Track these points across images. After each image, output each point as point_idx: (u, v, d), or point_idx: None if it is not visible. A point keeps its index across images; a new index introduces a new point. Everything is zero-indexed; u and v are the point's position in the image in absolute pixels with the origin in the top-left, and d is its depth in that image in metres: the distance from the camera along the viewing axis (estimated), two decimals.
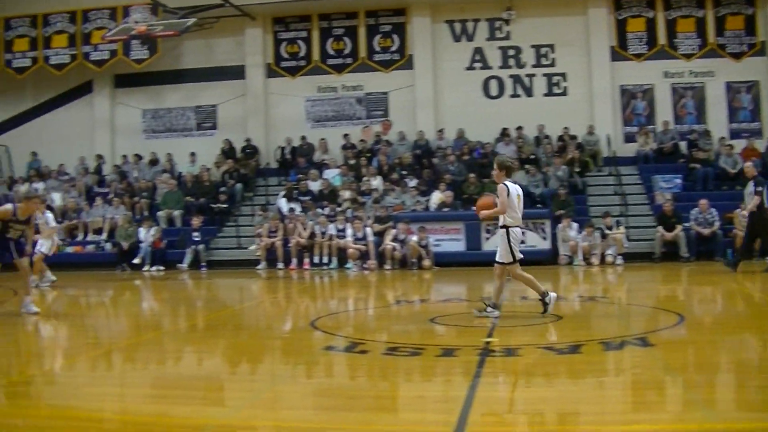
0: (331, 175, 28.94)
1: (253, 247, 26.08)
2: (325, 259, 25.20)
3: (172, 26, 27.57)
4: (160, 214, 28.17)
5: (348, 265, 24.67)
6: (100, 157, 32.61)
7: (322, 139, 30.71)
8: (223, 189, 28.99)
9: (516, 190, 12.34)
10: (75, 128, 33.27)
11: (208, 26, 29.48)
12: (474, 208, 13.13)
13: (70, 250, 27.78)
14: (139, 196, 29.31)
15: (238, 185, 29.37)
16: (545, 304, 12.36)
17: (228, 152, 30.95)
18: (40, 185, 30.93)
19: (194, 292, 20.68)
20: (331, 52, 31.45)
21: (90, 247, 27.80)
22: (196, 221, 26.44)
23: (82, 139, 32.93)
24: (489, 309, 12.25)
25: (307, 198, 27.56)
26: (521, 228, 12.40)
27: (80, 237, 28.47)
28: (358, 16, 31.24)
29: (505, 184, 12.18)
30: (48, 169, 32.56)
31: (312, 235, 25.40)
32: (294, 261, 25.31)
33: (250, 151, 30.96)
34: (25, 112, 34.50)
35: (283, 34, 31.83)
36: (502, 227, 12.24)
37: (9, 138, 34.57)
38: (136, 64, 31.93)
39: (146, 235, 26.38)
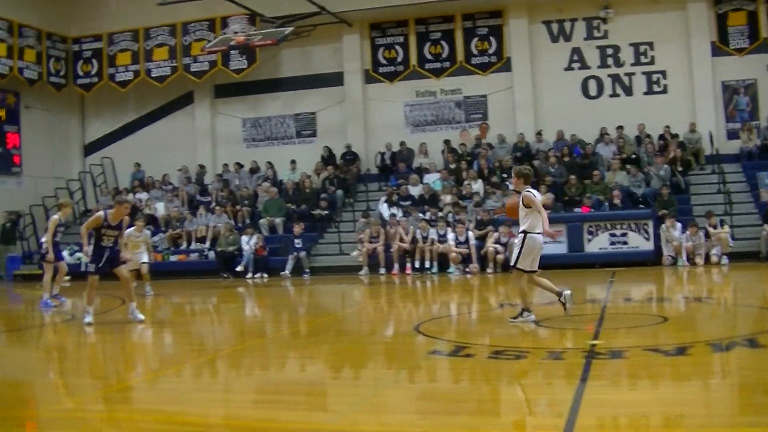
0: (432, 179, 28.86)
1: (354, 253, 26.13)
2: (427, 264, 25.13)
3: (270, 35, 27.77)
4: (262, 221, 28.40)
5: (450, 269, 24.55)
6: (201, 166, 33.01)
7: (422, 143, 30.62)
8: (323, 196, 29.11)
9: (537, 196, 12.40)
10: (177, 139, 33.79)
11: (306, 34, 29.65)
12: (503, 211, 13.20)
13: (173, 258, 28.19)
14: (240, 204, 29.60)
15: (339, 191, 29.47)
16: (563, 304, 12.43)
17: (328, 159, 31.08)
18: (143, 195, 31.48)
19: (297, 298, 20.78)
20: (429, 57, 31.38)
21: (193, 256, 28.15)
22: (297, 228, 26.59)
23: (183, 150, 33.42)
24: (525, 314, 12.29)
25: (408, 203, 27.53)
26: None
27: (184, 246, 28.85)
28: (455, 19, 31.12)
29: (528, 191, 12.23)
30: (151, 179, 33.08)
31: (413, 240, 25.35)
32: (396, 266, 25.28)
33: (350, 157, 31.05)
34: (128, 125, 35.18)
35: (380, 40, 31.87)
36: (521, 232, 12.29)
37: (113, 150, 35.26)
38: (235, 74, 32.28)
39: (248, 242, 26.61)
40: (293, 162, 31.31)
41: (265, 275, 26.17)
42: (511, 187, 26.42)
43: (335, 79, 32.14)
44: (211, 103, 33.97)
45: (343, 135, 31.70)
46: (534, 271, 12.41)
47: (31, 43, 32.63)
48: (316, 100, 32.58)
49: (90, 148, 35.98)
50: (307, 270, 26.14)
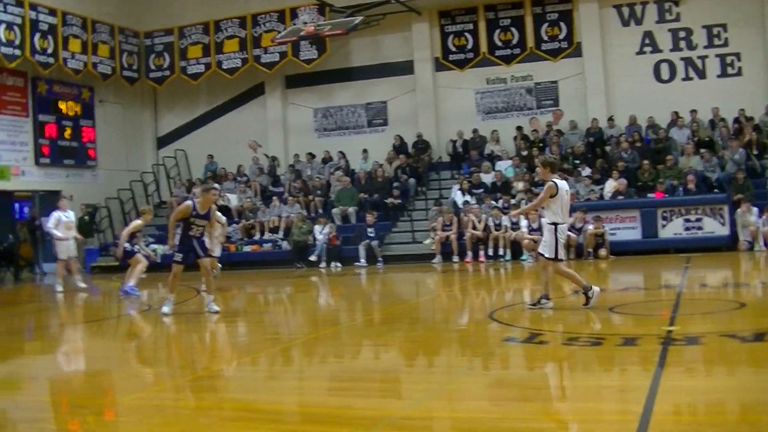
0: (504, 166, 28.73)
1: (427, 241, 26.13)
2: (500, 251, 25.06)
3: (339, 25, 27.83)
4: (335, 211, 28.51)
5: (523, 257, 24.43)
6: (274, 158, 33.20)
7: (494, 130, 30.47)
8: (396, 184, 29.12)
9: (564, 186, 12.38)
10: (248, 130, 34.00)
11: (375, 23, 29.66)
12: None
13: (247, 249, 28.43)
14: (313, 194, 29.74)
15: (411, 180, 29.46)
16: (588, 298, 12.22)
17: (399, 148, 31.08)
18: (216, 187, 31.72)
19: (370, 287, 20.85)
20: (499, 43, 31.19)
21: (267, 246, 28.35)
22: (370, 217, 26.65)
23: (256, 140, 33.59)
24: (543, 300, 12.38)
25: (481, 190, 27.45)
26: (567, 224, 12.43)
27: (257, 236, 29.06)
28: (524, 5, 30.85)
29: (553, 180, 12.21)
30: (224, 171, 33.37)
31: (486, 228, 25.29)
32: (469, 254, 25.24)
33: (422, 145, 31.00)
34: (201, 117, 35.52)
35: (450, 27, 31.75)
36: (551, 224, 12.21)
37: (186, 142, 35.64)
38: (305, 64, 32.41)
39: (321, 232, 26.73)
40: (365, 151, 31.37)
41: (339, 264, 26.28)
42: (583, 173, 26.33)
43: (405, 68, 32.11)
44: (282, 93, 34.15)
45: (415, 123, 31.67)
46: (559, 260, 12.40)
47: (105, 39, 33.08)
48: (387, 89, 32.58)
49: (163, 141, 36.41)
50: (381, 259, 26.20)
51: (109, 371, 10.36)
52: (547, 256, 12.28)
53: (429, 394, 7.72)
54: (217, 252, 18.58)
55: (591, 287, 12.23)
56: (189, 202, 14.36)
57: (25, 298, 23.07)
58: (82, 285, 21.42)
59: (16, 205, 31.82)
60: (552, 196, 12.13)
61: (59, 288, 20.71)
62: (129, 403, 8.10)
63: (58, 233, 20.79)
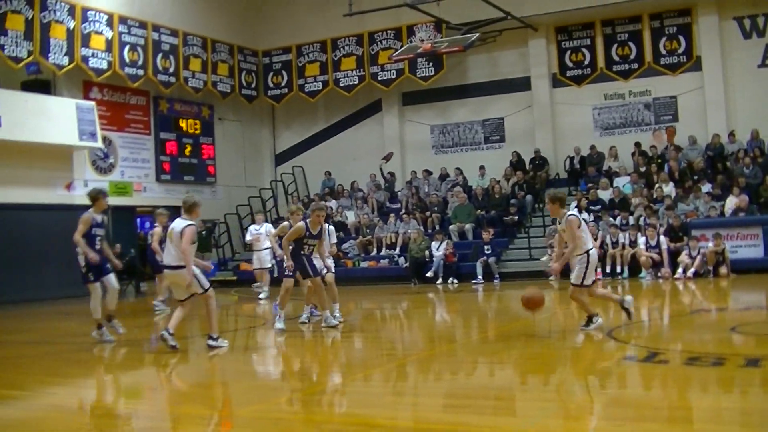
0: (622, 183, 28.35)
1: (545, 258, 25.87)
2: (618, 269, 24.71)
3: (456, 42, 27.81)
4: (452, 227, 28.48)
5: (641, 274, 24.06)
6: (391, 174, 33.34)
7: (612, 146, 30.11)
8: (513, 201, 28.99)
9: (578, 214, 12.51)
10: (366, 147, 34.26)
11: (492, 40, 29.62)
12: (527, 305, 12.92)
13: (364, 264, 28.59)
14: (430, 211, 29.78)
15: (529, 197, 29.29)
16: (590, 322, 12.35)
17: (517, 164, 30.94)
18: (332, 203, 32.05)
19: (486, 304, 20.78)
20: (617, 58, 30.81)
21: (383, 262, 28.47)
22: (486, 234, 26.56)
23: (373, 157, 33.80)
24: (595, 319, 12.26)
25: (598, 207, 27.14)
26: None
27: (374, 252, 29.20)
28: (642, 19, 30.42)
29: (571, 214, 12.17)
30: (341, 187, 33.66)
31: (603, 245, 24.98)
32: None
33: (539, 162, 30.82)
34: (318, 134, 35.89)
35: (567, 43, 31.52)
36: (584, 253, 12.06)
37: (304, 159, 36.03)
38: (422, 81, 32.51)
39: (438, 248, 26.72)
40: (482, 167, 31.28)
41: (455, 281, 26.22)
42: (703, 189, 25.82)
43: (522, 84, 31.97)
44: (399, 110, 34.31)
45: (532, 140, 31.50)
46: (588, 285, 12.30)
47: (224, 58, 33.74)
48: (504, 106, 32.48)
49: (281, 158, 36.88)
50: (497, 276, 26.08)
51: (227, 383, 10.53)
52: (578, 284, 12.17)
53: (545, 413, 7.67)
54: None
55: (596, 314, 12.35)
56: (302, 224, 14.43)
57: (143, 311, 23.53)
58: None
59: (138, 221, 32.55)
60: (578, 227, 12.05)
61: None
62: (246, 414, 8.23)
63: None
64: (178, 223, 12.53)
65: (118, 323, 13.96)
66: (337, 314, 14.79)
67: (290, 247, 14.32)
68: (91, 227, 13.55)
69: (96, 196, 13.98)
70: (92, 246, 13.59)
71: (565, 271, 12.98)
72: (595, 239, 24.53)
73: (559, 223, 12.33)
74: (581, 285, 12.14)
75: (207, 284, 12.61)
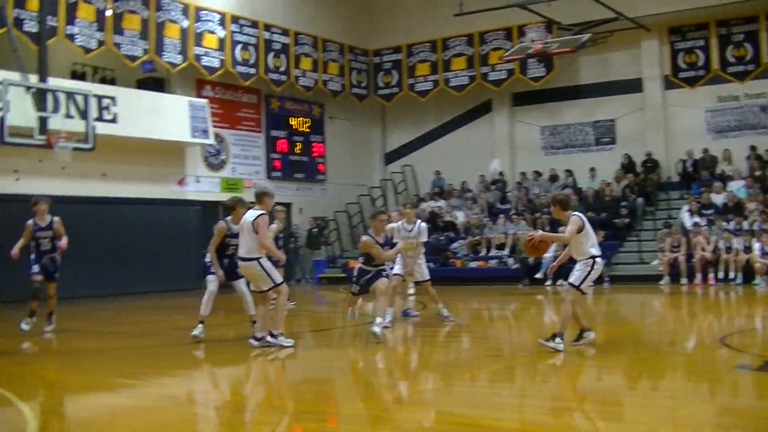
0: (736, 187, 27.76)
1: (655, 262, 25.57)
2: (731, 275, 24.23)
3: (567, 43, 27.59)
4: (561, 229, 28.20)
5: (756, 281, 23.55)
6: (501, 174, 33.24)
7: (725, 150, 29.53)
8: (624, 204, 28.63)
9: (583, 216, 11.87)
10: (475, 147, 34.21)
11: (603, 41, 29.28)
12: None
13: (473, 265, 28.53)
14: (540, 212, 29.58)
15: (639, 199, 28.88)
16: (581, 338, 11.78)
17: (627, 166, 30.54)
18: (441, 203, 32.09)
19: (595, 307, 20.53)
20: (732, 60, 30.13)
21: (492, 262, 28.38)
22: (596, 237, 26.23)
23: (482, 157, 33.75)
24: (557, 340, 11.31)
25: (711, 211, 26.66)
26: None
27: (483, 252, 29.12)
28: (759, 19, 29.61)
29: (575, 214, 11.76)
30: (451, 187, 33.67)
31: (716, 250, 24.53)
32: (698, 276, 24.52)
33: (651, 164, 30.37)
34: (428, 133, 35.93)
35: (680, 44, 30.96)
36: (590, 258, 11.67)
37: (414, 158, 36.13)
38: (533, 82, 32.32)
39: (548, 250, 26.50)
40: (592, 169, 30.97)
41: (565, 283, 25.92)
42: None
43: (634, 86, 31.51)
44: (509, 111, 34.17)
45: (643, 142, 31.04)
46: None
47: (335, 57, 34.01)
48: (615, 107, 32.08)
49: (391, 156, 37.03)
50: (607, 278, 25.78)
51: (332, 380, 10.62)
52: (571, 281, 11.81)
53: (654, 419, 7.55)
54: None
55: (589, 329, 11.87)
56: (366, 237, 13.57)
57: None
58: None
59: None
60: (579, 231, 11.65)
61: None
62: (351, 412, 8.29)
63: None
64: (250, 214, 12.39)
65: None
66: (387, 319, 14.39)
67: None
68: (224, 237, 13.50)
69: (234, 205, 13.64)
70: (225, 252, 13.66)
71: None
72: (708, 243, 24.18)
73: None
74: (578, 288, 11.74)
75: (279, 279, 12.50)
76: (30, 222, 14.32)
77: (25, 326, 14.95)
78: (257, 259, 12.25)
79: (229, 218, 13.56)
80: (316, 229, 31.97)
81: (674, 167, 30.38)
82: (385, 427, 7.68)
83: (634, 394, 9.07)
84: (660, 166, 30.41)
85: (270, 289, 12.43)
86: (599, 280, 24.86)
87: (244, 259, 12.38)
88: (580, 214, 11.88)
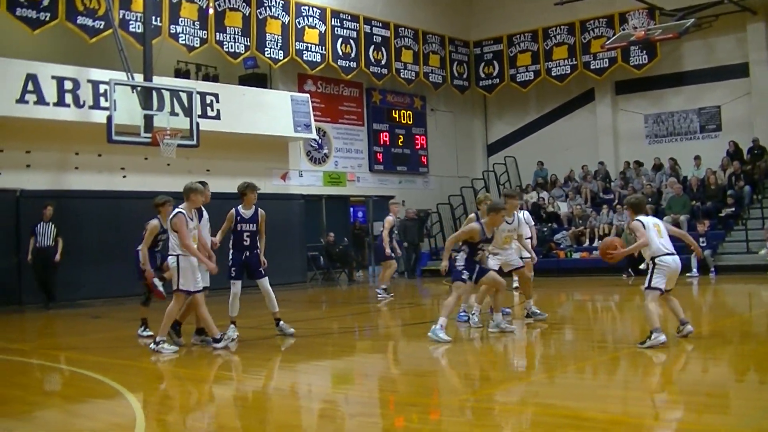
0: None
1: (763, 252, 25.07)
2: None
3: (670, 29, 27.20)
4: (666, 219, 27.85)
5: None
6: (601, 163, 32.93)
7: None
8: (730, 192, 28.12)
9: (652, 221, 11.77)
10: (578, 136, 34.00)
11: (707, 25, 28.82)
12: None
13: (576, 256, 28.31)
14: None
15: (747, 188, 28.33)
16: (648, 338, 11.02)
17: (734, 154, 29.95)
18: (544, 194, 31.91)
19: (701, 298, 20.22)
20: None
21: (596, 254, 28.09)
22: (701, 226, 25.84)
23: (585, 147, 33.54)
24: (654, 334, 10.96)
25: None
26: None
27: (586, 243, 28.86)
28: None
29: (637, 219, 11.61)
30: (554, 177, 33.47)
31: None
32: None
33: (758, 151, 29.72)
34: (530, 124, 35.82)
35: None
36: (651, 259, 11.46)
37: (516, 149, 36.03)
38: (636, 69, 31.90)
39: None
40: (697, 158, 30.43)
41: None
42: None
43: (740, 71, 30.86)
44: (612, 99, 33.83)
45: (749, 128, 30.39)
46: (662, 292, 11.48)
47: (436, 49, 34.05)
48: (720, 93, 31.50)
49: (493, 148, 36.98)
50: (713, 269, 25.35)
51: (436, 372, 10.66)
52: (646, 286, 11.56)
53: (762, 412, 7.44)
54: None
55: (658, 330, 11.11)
56: (476, 225, 12.98)
57: (356, 299, 24.03)
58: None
59: (352, 210, 33.28)
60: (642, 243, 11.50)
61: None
62: (457, 404, 8.32)
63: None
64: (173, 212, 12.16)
65: (286, 325, 13.61)
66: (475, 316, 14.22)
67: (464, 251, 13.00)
68: (236, 223, 13.22)
69: (243, 191, 13.43)
70: (241, 242, 13.31)
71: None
72: None
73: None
74: (649, 287, 11.54)
75: (186, 286, 12.07)
76: (155, 222, 14.20)
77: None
78: (176, 256, 12.00)
79: (241, 205, 13.44)
80: (418, 222, 32.05)
81: None
82: (491, 419, 7.70)
83: (740, 387, 8.94)
84: None
85: (173, 292, 12.11)
86: (706, 271, 24.55)
87: (168, 255, 12.20)
88: (642, 218, 11.79)
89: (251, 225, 13.31)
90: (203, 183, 12.96)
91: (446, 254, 12.99)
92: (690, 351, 11.07)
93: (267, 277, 13.40)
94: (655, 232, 11.62)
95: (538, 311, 14.63)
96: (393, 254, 21.19)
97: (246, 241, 13.28)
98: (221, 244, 13.53)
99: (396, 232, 22.31)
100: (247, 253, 13.32)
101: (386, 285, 21.11)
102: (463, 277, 12.84)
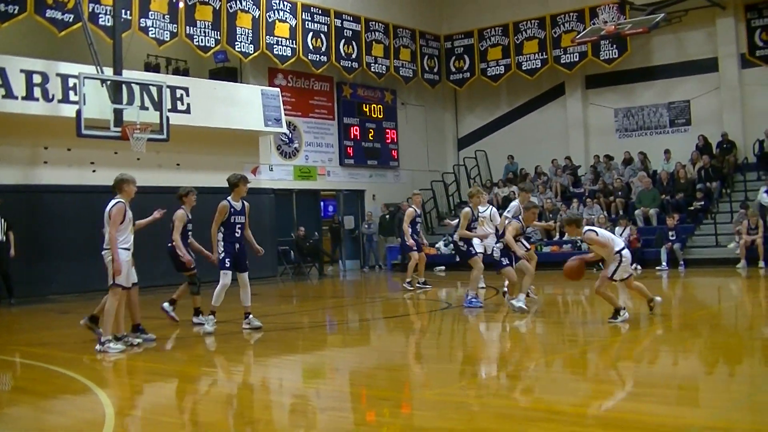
0: None
1: (732, 245, 25.21)
2: None
3: (640, 23, 27.30)
4: (637, 212, 27.99)
5: None
6: (567, 158, 33.06)
7: None
8: (699, 186, 28.26)
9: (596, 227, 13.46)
10: (548, 131, 34.08)
11: (677, 20, 28.92)
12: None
13: (546, 250, 28.35)
14: (614, 196, 29.31)
15: (716, 182, 28.49)
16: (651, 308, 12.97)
17: (703, 148, 30.09)
18: (514, 188, 31.98)
19: (671, 291, 20.32)
20: None
21: (566, 247, 28.16)
22: (671, 220, 25.96)
23: (555, 141, 33.63)
24: (622, 312, 12.46)
25: None
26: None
27: (556, 237, 28.94)
28: None
29: (592, 230, 12.80)
30: (524, 172, 33.56)
31: None
32: None
33: (727, 146, 29.87)
34: (501, 118, 35.84)
35: (757, 21, 30.28)
36: (616, 252, 12.48)
37: (486, 143, 36.05)
38: (606, 64, 31.99)
39: (622, 234, 26.25)
40: (667, 152, 30.57)
41: (639, 267, 25.67)
42: None
43: (709, 65, 30.99)
44: (582, 93, 33.90)
45: (719, 123, 30.53)
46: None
47: (406, 43, 34.02)
48: (690, 88, 31.61)
49: (463, 142, 36.99)
50: (683, 262, 25.48)
51: (409, 366, 10.66)
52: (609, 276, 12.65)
53: (732, 404, 7.48)
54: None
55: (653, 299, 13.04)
56: (517, 224, 15.29)
57: (328, 293, 24.03)
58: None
59: (322, 204, 33.25)
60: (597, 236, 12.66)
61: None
62: (429, 398, 8.31)
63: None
64: (111, 203, 11.92)
65: (254, 319, 13.54)
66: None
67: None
68: (229, 215, 13.17)
69: (236, 182, 13.40)
70: (234, 234, 13.25)
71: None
72: None
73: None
74: (611, 278, 12.68)
75: (120, 280, 11.77)
76: (181, 212, 14.50)
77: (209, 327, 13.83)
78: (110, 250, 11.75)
79: (230, 197, 13.47)
80: (388, 216, 32.03)
81: (751, 148, 29.87)
82: (464, 413, 7.68)
83: (711, 379, 8.98)
84: (737, 147, 29.94)
85: (109, 287, 11.77)
86: (676, 264, 24.69)
87: (102, 249, 11.92)
88: (593, 228, 13.12)
89: (242, 217, 13.42)
90: (191, 190, 14.51)
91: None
92: (660, 343, 11.12)
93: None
94: (609, 232, 13.04)
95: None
96: (415, 246, 20.70)
97: (237, 233, 13.35)
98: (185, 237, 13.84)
99: (420, 222, 21.92)
100: (238, 245, 13.36)
101: (411, 278, 20.83)
102: (506, 263, 14.88)
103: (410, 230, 20.58)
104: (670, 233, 25.65)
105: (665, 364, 10.08)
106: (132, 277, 12.23)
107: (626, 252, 12.63)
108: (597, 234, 12.57)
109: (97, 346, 11.67)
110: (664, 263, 25.25)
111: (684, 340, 11.43)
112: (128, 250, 11.84)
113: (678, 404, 7.71)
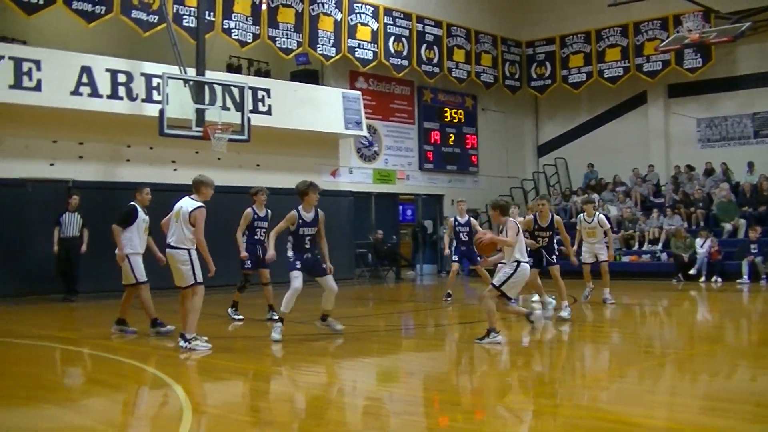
0: None
1: None
2: None
3: (725, 32, 26.94)
4: (727, 227, 27.53)
5: None
6: (650, 167, 32.70)
7: None
8: None
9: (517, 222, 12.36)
10: (629, 139, 33.81)
11: (764, 29, 28.51)
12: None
13: (625, 259, 28.11)
14: (695, 207, 28.93)
15: None
16: (531, 322, 12.22)
17: None
18: (594, 197, 31.69)
19: (751, 305, 20.00)
20: None
21: (645, 257, 27.90)
22: (753, 232, 25.54)
23: (636, 150, 33.32)
24: (492, 334, 11.83)
25: None
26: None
27: (636, 247, 28.67)
28: None
29: (514, 222, 12.07)
30: (603, 180, 33.29)
31: None
32: None
33: None
34: (581, 125, 35.64)
35: None
36: (514, 261, 11.79)
37: (566, 150, 35.87)
38: (689, 73, 31.62)
39: (702, 246, 25.91)
40: (750, 164, 30.12)
41: (719, 279, 25.31)
42: None
43: None
44: (664, 103, 33.55)
45: None
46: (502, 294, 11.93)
47: (488, 49, 34.00)
48: None
49: (543, 149, 36.85)
50: (765, 276, 25.04)
51: (484, 373, 10.61)
52: (494, 282, 11.99)
53: None
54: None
55: (531, 312, 12.49)
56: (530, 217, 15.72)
57: (404, 297, 24.04)
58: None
59: (400, 208, 33.31)
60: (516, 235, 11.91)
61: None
62: (500, 404, 8.28)
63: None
64: (188, 204, 12.05)
65: (334, 321, 13.36)
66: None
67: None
68: (297, 226, 12.78)
69: (305, 190, 13.10)
70: (303, 246, 12.83)
71: None
72: None
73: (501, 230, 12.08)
74: (499, 288, 11.86)
75: (201, 278, 11.94)
76: (248, 210, 15.02)
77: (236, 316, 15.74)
78: (188, 249, 11.84)
79: (300, 207, 13.06)
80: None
81: None
82: (537, 420, 7.65)
83: None
84: None
85: (188, 287, 11.88)
86: (757, 278, 24.25)
87: (172, 247, 11.93)
88: (515, 221, 12.36)
89: (312, 228, 12.88)
90: (261, 189, 15.28)
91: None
92: (738, 359, 10.95)
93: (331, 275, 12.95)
94: (526, 240, 13.17)
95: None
96: (454, 256, 20.05)
97: (307, 244, 12.85)
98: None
99: (464, 231, 21.17)
100: (309, 255, 12.92)
101: (449, 289, 20.33)
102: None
103: (451, 240, 19.82)
104: (752, 246, 25.23)
105: (743, 379, 9.93)
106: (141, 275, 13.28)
107: (525, 267, 11.87)
108: (516, 231, 11.85)
109: (183, 343, 11.73)
110: (745, 276, 24.84)
111: (763, 356, 11.24)
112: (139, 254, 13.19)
113: (754, 421, 7.58)
